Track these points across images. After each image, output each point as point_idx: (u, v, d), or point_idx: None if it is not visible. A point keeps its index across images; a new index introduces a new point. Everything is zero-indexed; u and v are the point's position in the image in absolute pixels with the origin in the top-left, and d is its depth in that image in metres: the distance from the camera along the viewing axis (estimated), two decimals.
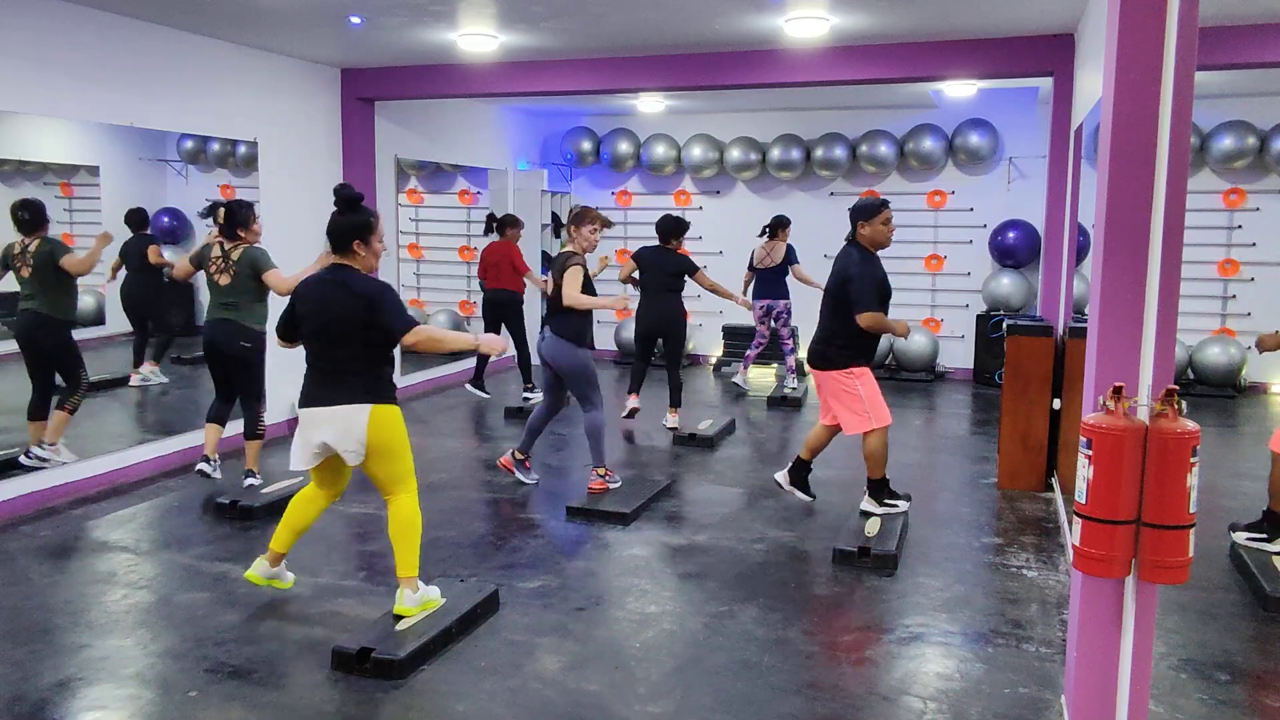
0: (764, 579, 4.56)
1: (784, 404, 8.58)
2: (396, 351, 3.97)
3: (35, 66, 5.53)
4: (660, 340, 7.58)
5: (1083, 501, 2.70)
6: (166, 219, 7.63)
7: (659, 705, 3.39)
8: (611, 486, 5.77)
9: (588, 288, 5.72)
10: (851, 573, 4.62)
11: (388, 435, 3.81)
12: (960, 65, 6.69)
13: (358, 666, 3.56)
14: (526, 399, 8.44)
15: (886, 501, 5.29)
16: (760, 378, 9.90)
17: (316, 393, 3.84)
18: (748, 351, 9.22)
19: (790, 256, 8.71)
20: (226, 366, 5.70)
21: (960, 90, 8.76)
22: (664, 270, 7.34)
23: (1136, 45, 2.69)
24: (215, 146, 7.57)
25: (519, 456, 6.08)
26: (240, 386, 5.76)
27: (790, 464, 5.61)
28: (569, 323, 5.68)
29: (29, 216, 5.68)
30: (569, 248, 5.87)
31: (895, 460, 6.79)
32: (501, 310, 8.45)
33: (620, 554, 4.91)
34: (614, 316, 11.12)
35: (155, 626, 4.00)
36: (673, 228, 7.38)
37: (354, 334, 3.75)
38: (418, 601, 3.88)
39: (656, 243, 7.43)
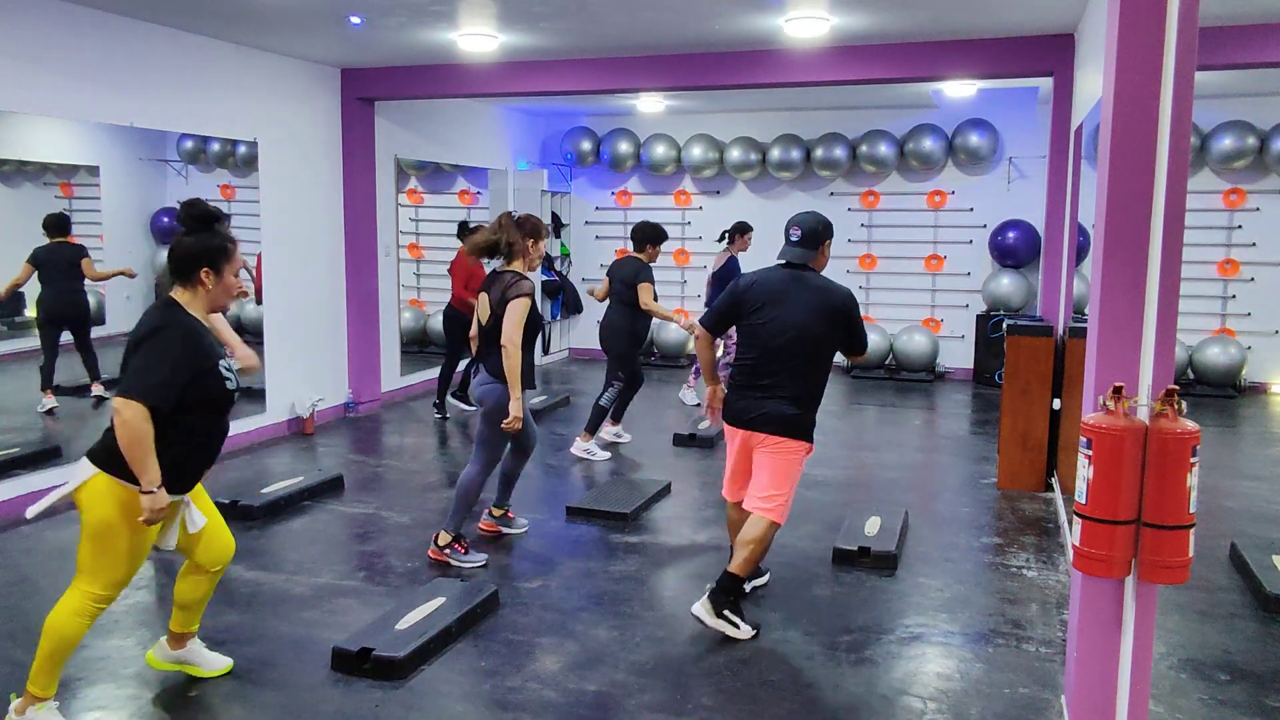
0: None
1: None
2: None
3: (35, 66, 5.53)
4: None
5: (1083, 501, 2.70)
6: (166, 219, 7.62)
7: (659, 705, 3.39)
8: (454, 563, 4.64)
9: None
10: (851, 573, 4.62)
11: (95, 513, 3.05)
12: (960, 65, 6.69)
13: (358, 666, 3.56)
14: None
15: (726, 614, 3.88)
16: None
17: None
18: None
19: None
20: None
21: (960, 90, 8.75)
22: (619, 279, 6.76)
23: (1136, 45, 2.69)
24: (215, 146, 7.57)
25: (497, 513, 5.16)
26: None
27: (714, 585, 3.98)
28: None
29: None
30: (515, 265, 4.70)
31: (897, 461, 6.80)
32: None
33: (620, 554, 4.91)
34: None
35: (155, 626, 4.00)
36: (647, 235, 6.82)
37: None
38: None
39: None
